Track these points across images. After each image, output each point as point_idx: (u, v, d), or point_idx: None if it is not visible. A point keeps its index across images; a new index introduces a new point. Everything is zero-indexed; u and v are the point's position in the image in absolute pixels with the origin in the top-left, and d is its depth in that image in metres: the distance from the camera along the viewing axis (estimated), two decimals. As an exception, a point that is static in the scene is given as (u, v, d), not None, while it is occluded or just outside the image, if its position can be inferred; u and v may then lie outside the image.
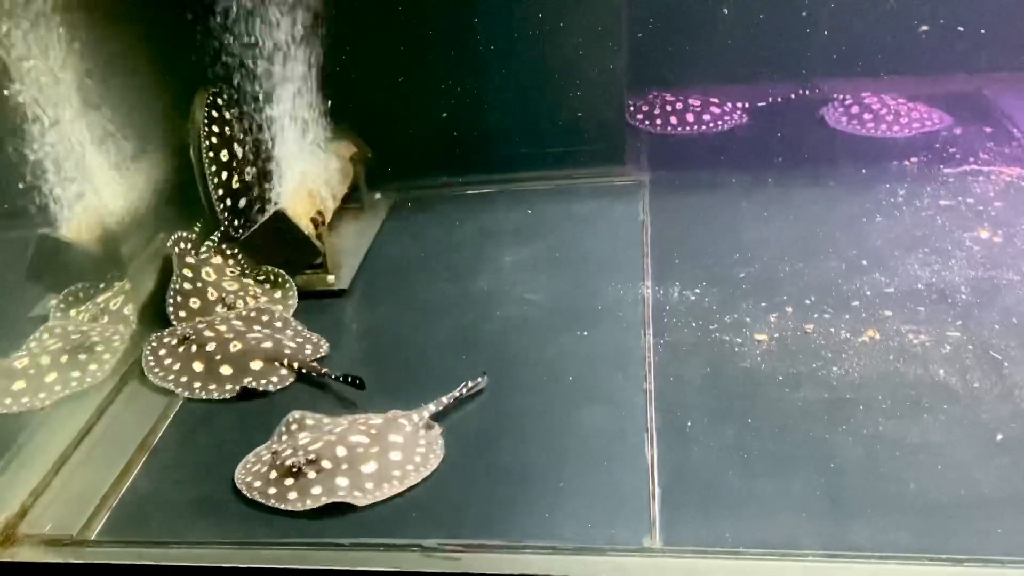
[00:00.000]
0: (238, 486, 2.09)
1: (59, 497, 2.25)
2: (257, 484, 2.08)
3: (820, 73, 3.82)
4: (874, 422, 2.12)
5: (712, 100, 3.87)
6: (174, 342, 2.67)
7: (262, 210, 3.09)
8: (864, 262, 2.74)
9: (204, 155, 2.96)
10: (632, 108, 3.86)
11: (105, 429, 2.50)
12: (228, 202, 3.04)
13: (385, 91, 3.54)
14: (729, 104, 3.87)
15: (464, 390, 2.31)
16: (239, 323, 2.75)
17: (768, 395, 2.24)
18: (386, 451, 2.11)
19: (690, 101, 3.87)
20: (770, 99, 3.90)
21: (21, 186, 2.82)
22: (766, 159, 3.47)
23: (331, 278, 3.10)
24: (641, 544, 1.87)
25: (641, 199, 3.37)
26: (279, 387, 2.50)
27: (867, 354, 2.34)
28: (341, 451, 2.09)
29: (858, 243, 2.85)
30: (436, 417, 2.26)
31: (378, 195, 3.67)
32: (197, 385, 2.53)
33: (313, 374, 2.50)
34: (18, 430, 2.51)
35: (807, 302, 2.58)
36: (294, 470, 2.05)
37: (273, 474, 2.08)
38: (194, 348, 2.62)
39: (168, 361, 2.62)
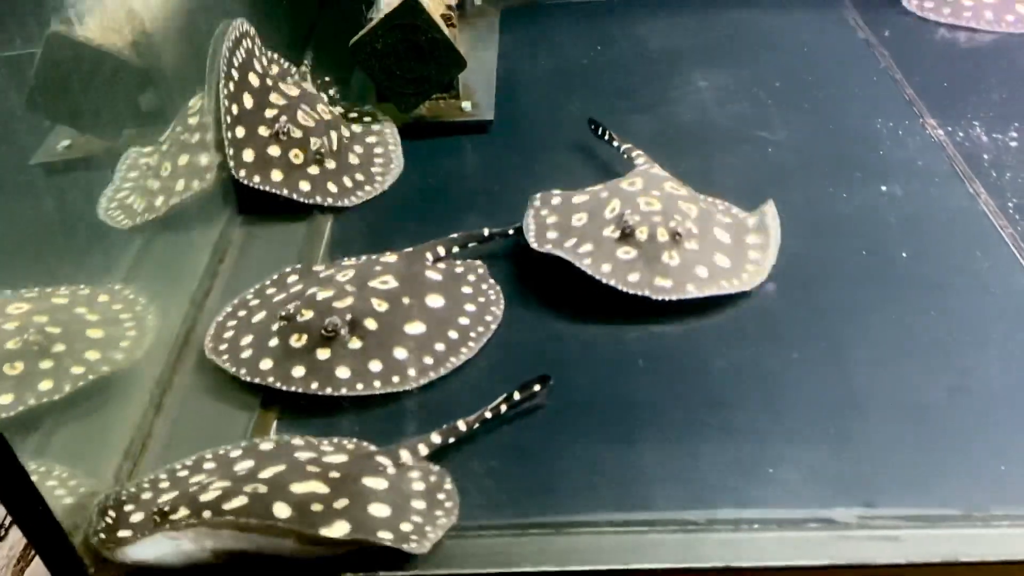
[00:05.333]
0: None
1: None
2: (122, 535, 1.19)
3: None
4: None
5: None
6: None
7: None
8: None
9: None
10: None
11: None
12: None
13: None
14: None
15: (503, 407, 1.41)
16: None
17: None
18: (362, 504, 1.24)
19: None
20: None
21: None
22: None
23: (466, 105, 2.26)
24: None
25: (848, 13, 2.60)
26: None
27: None
28: (283, 510, 1.20)
29: None
30: (439, 453, 1.37)
31: (479, 0, 2.79)
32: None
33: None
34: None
35: None
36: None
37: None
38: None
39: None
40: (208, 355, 1.53)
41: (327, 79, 2.32)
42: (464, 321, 1.58)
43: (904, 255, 1.70)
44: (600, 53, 2.51)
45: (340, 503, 1.22)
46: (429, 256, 1.71)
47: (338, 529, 1.18)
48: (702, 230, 1.61)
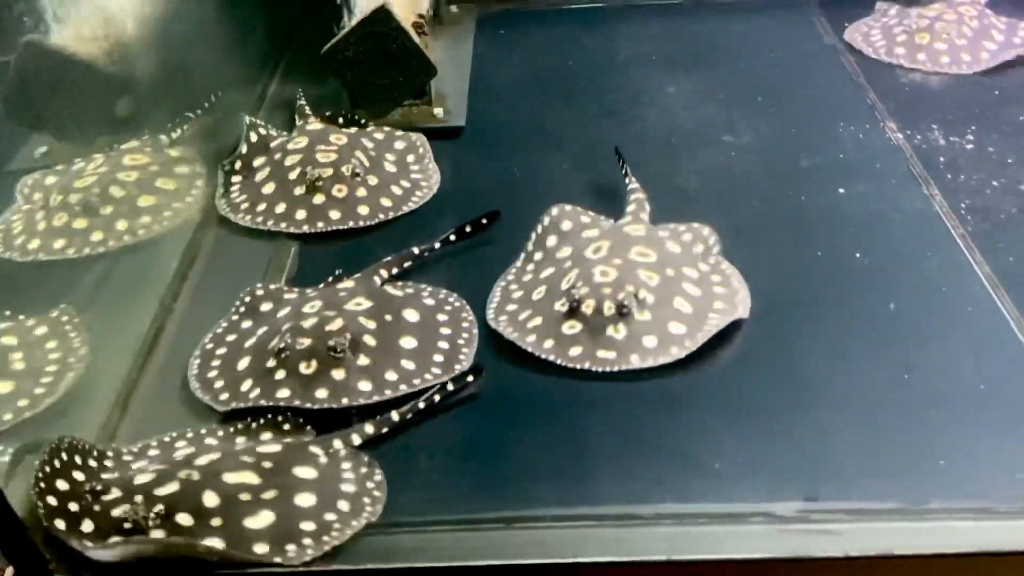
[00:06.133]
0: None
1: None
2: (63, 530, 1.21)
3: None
4: None
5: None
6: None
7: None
8: None
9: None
10: (866, 31, 2.51)
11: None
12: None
13: None
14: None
15: (436, 397, 1.45)
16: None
17: None
18: (289, 494, 1.28)
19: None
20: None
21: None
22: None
23: (438, 111, 2.30)
24: None
25: (815, 18, 2.64)
26: None
27: None
28: (212, 499, 1.25)
29: None
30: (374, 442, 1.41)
31: (455, 8, 2.85)
32: None
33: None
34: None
35: None
36: (126, 526, 1.22)
37: (88, 525, 1.23)
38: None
39: None
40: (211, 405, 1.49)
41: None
42: (446, 331, 1.60)
43: (858, 255, 1.73)
44: (573, 60, 2.55)
45: (269, 494, 1.26)
46: (377, 279, 1.71)
47: (263, 519, 1.23)
48: (661, 299, 1.55)
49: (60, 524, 1.21)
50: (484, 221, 1.83)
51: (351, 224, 1.89)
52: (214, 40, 2.33)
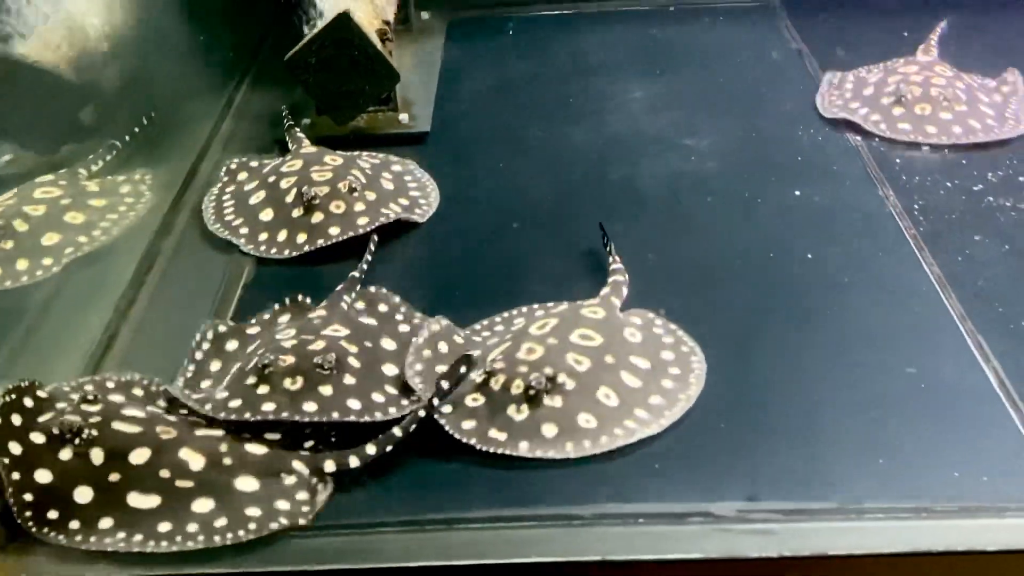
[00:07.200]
0: None
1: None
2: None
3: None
4: None
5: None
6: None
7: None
8: None
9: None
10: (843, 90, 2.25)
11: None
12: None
13: None
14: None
15: (436, 400, 1.40)
16: None
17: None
18: (198, 494, 1.27)
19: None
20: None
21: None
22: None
23: (404, 117, 2.31)
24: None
25: (782, 24, 2.66)
26: None
27: None
28: (140, 457, 1.27)
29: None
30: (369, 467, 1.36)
31: (425, 14, 2.87)
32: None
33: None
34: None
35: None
36: (53, 430, 1.26)
37: (44, 416, 1.30)
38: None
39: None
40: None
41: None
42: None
43: (809, 256, 1.74)
44: (542, 65, 2.57)
45: (185, 483, 1.25)
46: (344, 306, 1.67)
47: (147, 501, 1.22)
48: (583, 386, 1.43)
49: (28, 402, 1.27)
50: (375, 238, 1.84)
51: (350, 234, 1.85)
52: (180, 49, 2.35)
